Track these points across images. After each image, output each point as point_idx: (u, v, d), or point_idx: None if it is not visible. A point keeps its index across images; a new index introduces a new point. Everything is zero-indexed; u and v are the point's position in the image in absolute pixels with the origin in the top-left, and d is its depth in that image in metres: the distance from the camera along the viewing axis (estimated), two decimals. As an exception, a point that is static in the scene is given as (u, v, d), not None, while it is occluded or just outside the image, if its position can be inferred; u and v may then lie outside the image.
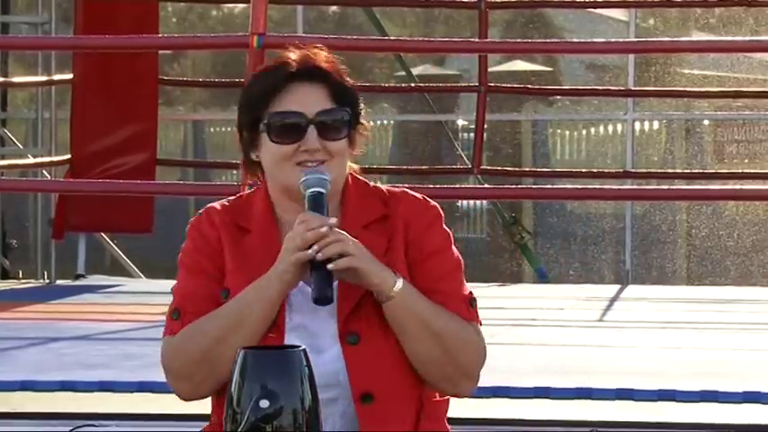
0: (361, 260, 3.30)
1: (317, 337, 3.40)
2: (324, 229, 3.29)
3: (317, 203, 3.37)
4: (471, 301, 3.47)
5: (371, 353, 3.37)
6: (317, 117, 3.41)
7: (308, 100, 3.44)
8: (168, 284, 11.06)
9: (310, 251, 3.27)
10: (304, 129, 3.41)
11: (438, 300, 3.40)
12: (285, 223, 3.42)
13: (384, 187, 3.56)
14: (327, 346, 3.39)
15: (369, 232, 3.45)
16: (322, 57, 3.49)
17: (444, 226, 3.50)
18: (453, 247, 3.50)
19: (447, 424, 3.51)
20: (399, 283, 3.32)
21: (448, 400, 3.52)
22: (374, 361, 3.37)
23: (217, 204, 3.56)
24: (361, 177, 3.56)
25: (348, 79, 3.50)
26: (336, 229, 3.30)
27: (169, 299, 9.76)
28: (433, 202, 3.51)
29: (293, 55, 3.47)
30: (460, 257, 3.52)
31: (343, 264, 3.27)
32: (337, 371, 3.37)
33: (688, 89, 16.89)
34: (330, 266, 3.27)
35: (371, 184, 3.56)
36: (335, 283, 3.35)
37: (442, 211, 3.52)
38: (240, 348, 3.04)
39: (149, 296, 9.69)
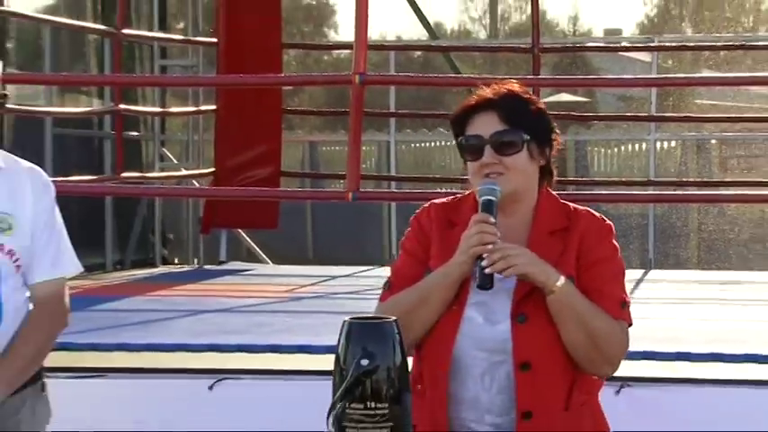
0: (525, 266, 3.28)
1: (494, 312, 3.37)
2: (490, 239, 3.28)
3: (488, 207, 3.34)
4: (623, 303, 3.40)
5: (534, 331, 3.33)
6: (491, 138, 3.40)
7: (484, 125, 3.43)
8: (290, 269, 11.05)
9: (485, 262, 3.27)
10: (482, 148, 3.41)
11: (596, 299, 3.36)
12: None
13: (571, 205, 3.51)
14: (501, 321, 3.35)
15: (551, 238, 3.42)
16: (500, 89, 3.48)
17: (614, 240, 3.46)
18: (618, 257, 3.46)
19: (599, 400, 3.47)
20: (561, 281, 3.28)
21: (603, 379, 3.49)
22: (535, 338, 3.34)
23: (437, 201, 3.56)
24: (553, 193, 3.52)
25: (533, 102, 3.48)
26: (501, 243, 3.28)
27: (290, 280, 9.70)
28: (608, 221, 3.47)
29: (480, 91, 3.48)
30: (624, 267, 3.48)
31: (509, 273, 3.27)
32: (505, 341, 3.33)
33: (699, 115, 16.87)
34: (487, 270, 3.27)
35: (561, 200, 3.52)
36: (513, 281, 3.34)
37: (613, 228, 3.48)
38: (345, 319, 3.01)
39: (275, 278, 9.69)
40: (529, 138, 3.43)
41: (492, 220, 3.32)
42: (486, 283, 3.30)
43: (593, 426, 3.43)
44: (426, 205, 3.57)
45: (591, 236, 3.44)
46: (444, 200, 3.57)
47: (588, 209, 3.51)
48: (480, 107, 3.46)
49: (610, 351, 3.37)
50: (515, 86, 3.50)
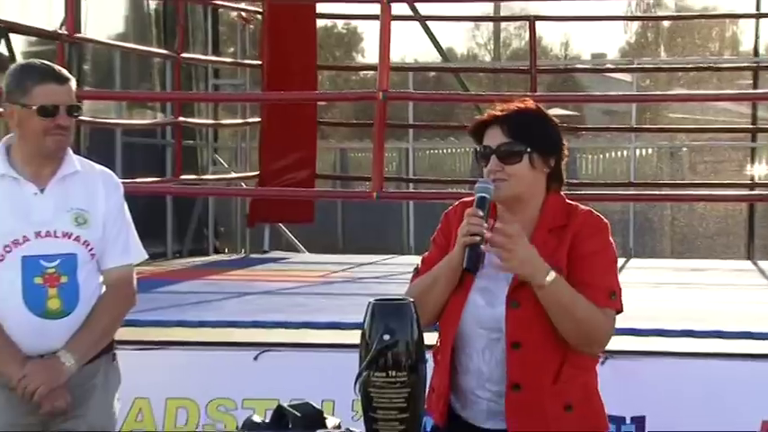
0: (515, 267, 3.28)
1: (493, 297, 3.39)
2: (476, 230, 3.28)
3: (480, 203, 3.35)
4: (612, 293, 3.38)
5: (526, 315, 3.33)
6: (497, 149, 3.40)
7: (492, 138, 3.43)
8: (323, 257, 11.03)
9: (482, 247, 3.29)
10: (489, 156, 3.42)
11: (583, 289, 3.33)
12: (499, 216, 3.42)
13: (576, 204, 3.50)
14: (499, 305, 3.37)
15: (549, 234, 3.41)
16: (508, 107, 3.48)
17: (608, 236, 3.45)
18: (610, 250, 3.44)
19: (595, 376, 3.48)
20: (550, 277, 3.27)
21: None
22: (526, 321, 3.34)
23: (466, 200, 3.54)
24: (561, 195, 3.51)
25: (539, 119, 3.47)
26: (500, 232, 3.26)
27: (323, 267, 9.64)
28: (604, 220, 3.45)
29: (494, 109, 3.48)
30: (616, 258, 3.47)
31: (505, 269, 3.30)
32: (501, 321, 3.35)
33: (672, 126, 16.83)
34: (483, 248, 3.30)
35: (567, 201, 3.50)
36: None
37: (608, 225, 3.46)
38: (370, 301, 3.03)
39: (310, 265, 9.69)
40: (530, 149, 3.42)
41: (480, 213, 3.32)
42: (472, 267, 3.32)
43: (583, 397, 3.41)
44: (456, 204, 3.57)
45: (584, 231, 3.42)
46: (469, 199, 3.54)
47: (590, 209, 3.50)
48: (491, 122, 3.46)
49: (595, 336, 3.35)
50: (530, 104, 3.50)
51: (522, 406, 3.35)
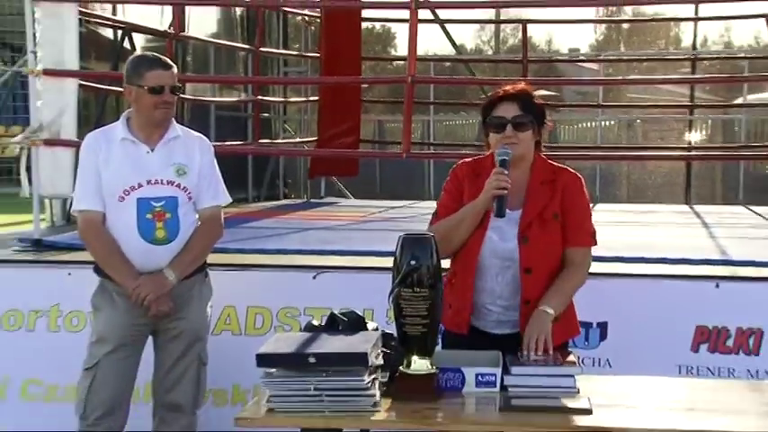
0: (539, 333, 3.25)
1: (505, 234, 3.38)
2: (504, 184, 3.28)
3: (503, 164, 3.33)
4: (593, 234, 3.47)
5: (534, 248, 3.36)
6: (514, 119, 3.38)
7: (507, 111, 3.39)
8: (365, 202, 10.99)
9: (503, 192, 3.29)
10: (504, 125, 3.38)
11: (574, 232, 3.40)
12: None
13: (554, 163, 3.51)
14: (510, 240, 3.37)
15: (542, 186, 3.42)
16: (519, 87, 3.45)
17: (585, 190, 3.47)
18: (588, 201, 3.47)
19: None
20: (552, 312, 3.30)
21: None
22: (534, 253, 3.36)
23: (467, 160, 3.54)
24: (542, 156, 3.50)
25: (537, 99, 3.45)
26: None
27: (365, 209, 9.54)
28: (581, 178, 3.47)
29: (506, 88, 3.45)
30: (590, 205, 3.49)
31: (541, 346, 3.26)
32: (513, 252, 3.37)
33: (630, 104, 16.73)
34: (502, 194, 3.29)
35: (548, 161, 3.50)
36: (519, 213, 3.38)
37: (583, 181, 3.48)
38: (400, 235, 3.04)
39: (355, 207, 9.65)
40: (534, 121, 3.42)
41: (505, 172, 3.31)
42: (501, 213, 3.30)
43: (566, 309, 3.45)
44: (460, 162, 3.55)
45: (571, 188, 3.44)
46: (471, 159, 3.55)
47: (567, 167, 3.50)
48: (505, 98, 3.42)
49: (581, 282, 3.48)
50: (527, 87, 3.48)
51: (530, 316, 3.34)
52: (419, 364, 3.03)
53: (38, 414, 4.61)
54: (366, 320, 3.24)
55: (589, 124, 15.98)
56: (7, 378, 4.71)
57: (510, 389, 3.03)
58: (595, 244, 3.48)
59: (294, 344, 2.99)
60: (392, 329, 3.13)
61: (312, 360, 2.87)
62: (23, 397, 4.66)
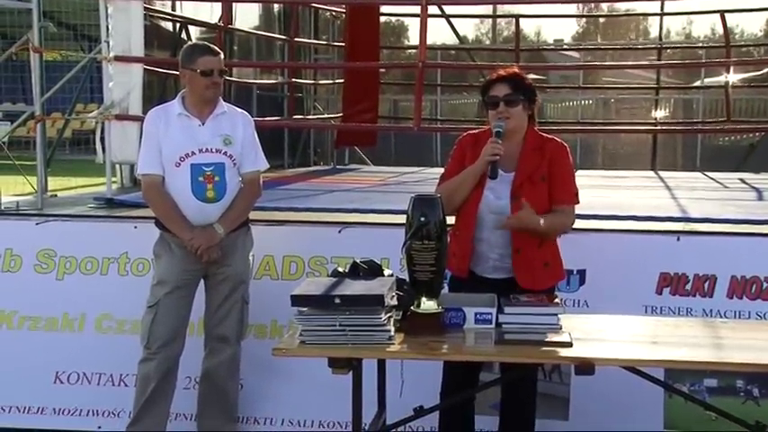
0: (526, 226, 3.26)
1: (500, 193, 3.37)
2: (499, 149, 3.27)
3: (497, 134, 3.33)
4: (576, 194, 3.44)
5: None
6: (504, 97, 3.36)
7: (499, 90, 3.37)
8: (382, 168, 10.92)
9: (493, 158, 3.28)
10: (498, 102, 3.36)
11: (559, 192, 3.37)
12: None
13: (545, 135, 3.47)
14: (503, 198, 3.36)
15: (533, 152, 3.39)
16: (510, 71, 3.41)
17: (569, 156, 3.43)
18: (571, 165, 3.44)
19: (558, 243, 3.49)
20: (541, 222, 3.28)
21: None
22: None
23: (471, 132, 3.51)
24: (535, 129, 3.46)
25: (527, 80, 3.40)
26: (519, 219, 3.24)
27: (382, 174, 9.41)
28: (566, 145, 3.43)
29: (500, 71, 3.41)
30: (574, 170, 3.48)
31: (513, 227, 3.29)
32: (506, 209, 3.35)
33: (605, 86, 16.58)
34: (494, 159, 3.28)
35: (539, 133, 3.46)
36: (512, 175, 3.36)
37: (568, 148, 3.44)
38: (412, 195, 3.03)
39: (374, 173, 9.60)
40: (523, 98, 3.39)
41: (499, 141, 3.31)
42: (494, 175, 3.31)
43: (553, 257, 3.46)
44: (465, 134, 3.53)
45: (558, 153, 3.42)
46: (473, 131, 3.54)
47: (554, 137, 3.47)
48: (498, 80, 3.41)
49: (566, 229, 3.45)
50: (517, 70, 3.45)
51: (521, 263, 3.37)
52: (427, 305, 3.05)
53: (109, 344, 4.62)
54: (383, 268, 3.26)
55: (571, 103, 15.85)
56: (84, 314, 4.72)
57: (504, 325, 3.07)
58: (578, 202, 3.46)
59: (322, 287, 3.01)
60: (405, 275, 3.13)
61: (337, 301, 2.90)
62: (97, 329, 4.68)
